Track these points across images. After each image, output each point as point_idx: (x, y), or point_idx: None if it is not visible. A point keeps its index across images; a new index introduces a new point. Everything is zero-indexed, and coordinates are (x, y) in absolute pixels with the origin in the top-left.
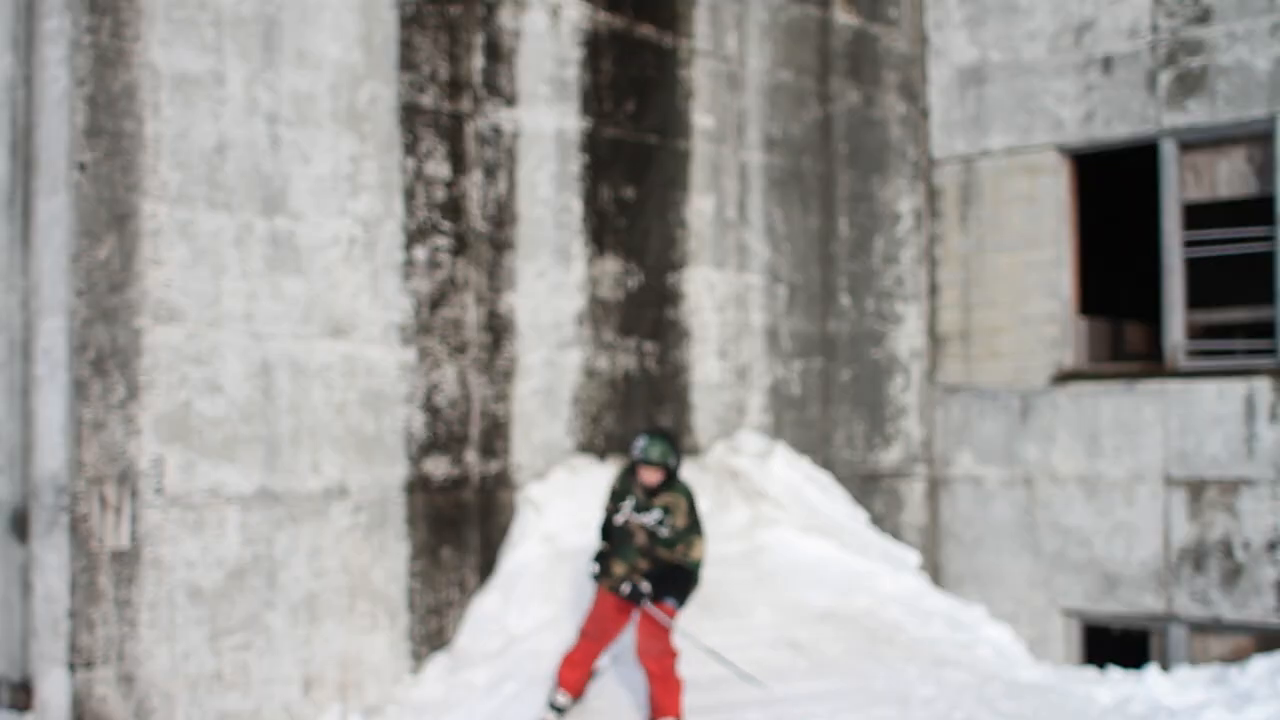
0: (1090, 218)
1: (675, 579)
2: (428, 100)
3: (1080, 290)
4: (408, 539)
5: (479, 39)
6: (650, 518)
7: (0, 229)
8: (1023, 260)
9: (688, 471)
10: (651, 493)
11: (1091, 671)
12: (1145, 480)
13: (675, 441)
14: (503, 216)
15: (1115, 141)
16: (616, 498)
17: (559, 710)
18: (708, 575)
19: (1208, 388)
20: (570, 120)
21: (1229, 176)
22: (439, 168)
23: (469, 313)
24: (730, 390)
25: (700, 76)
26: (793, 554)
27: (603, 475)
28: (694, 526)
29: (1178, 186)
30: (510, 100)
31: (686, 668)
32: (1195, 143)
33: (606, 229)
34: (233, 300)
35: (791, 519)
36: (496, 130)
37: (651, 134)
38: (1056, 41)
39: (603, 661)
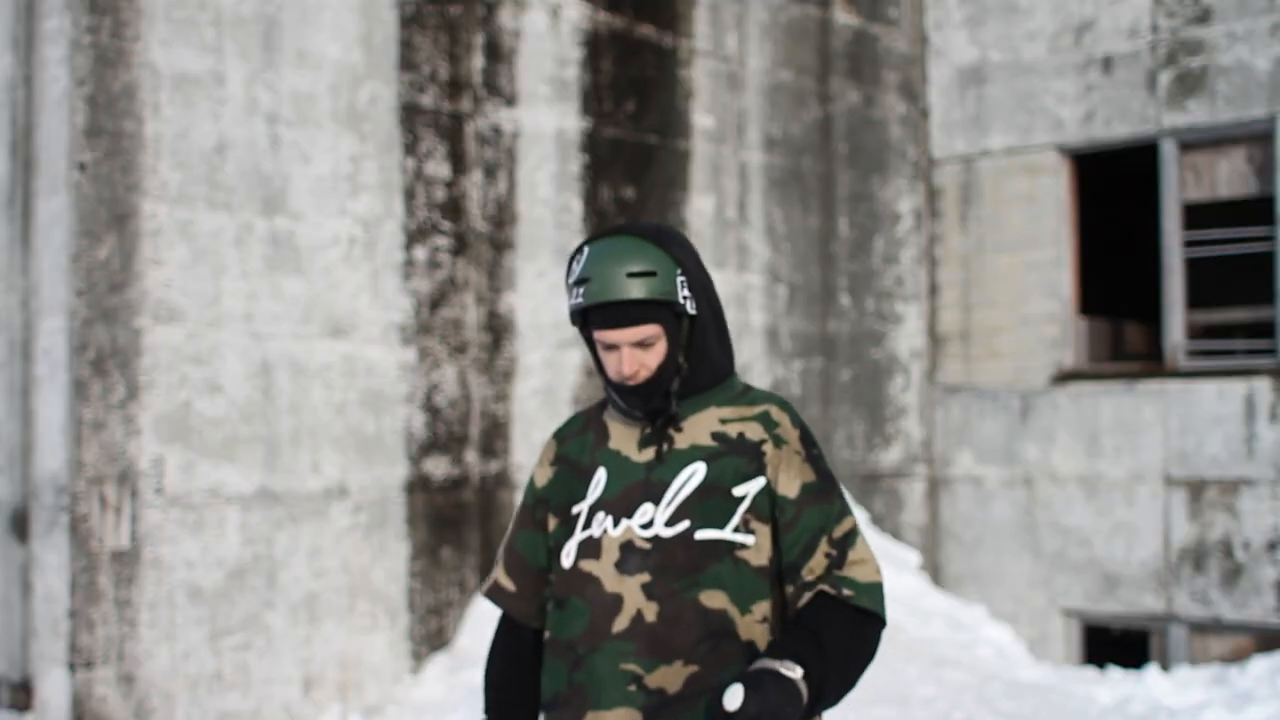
0: (1091, 217)
1: (848, 659)
2: (428, 100)
3: (1080, 290)
4: (408, 539)
5: (479, 39)
6: (665, 509)
7: (0, 229)
8: (1023, 260)
9: None
10: (658, 419)
11: (1091, 671)
12: (1145, 480)
13: (683, 245)
14: (503, 216)
15: (1115, 141)
16: (541, 501)
17: None
18: None
19: (1208, 388)
20: (570, 120)
21: (1229, 176)
22: (439, 168)
23: (469, 313)
24: None
25: (700, 76)
26: None
27: None
28: (830, 485)
29: (1178, 186)
30: (510, 100)
31: None
32: (1195, 143)
33: None
34: (233, 300)
35: None
36: (496, 130)
37: (651, 134)
38: (1056, 41)
39: None
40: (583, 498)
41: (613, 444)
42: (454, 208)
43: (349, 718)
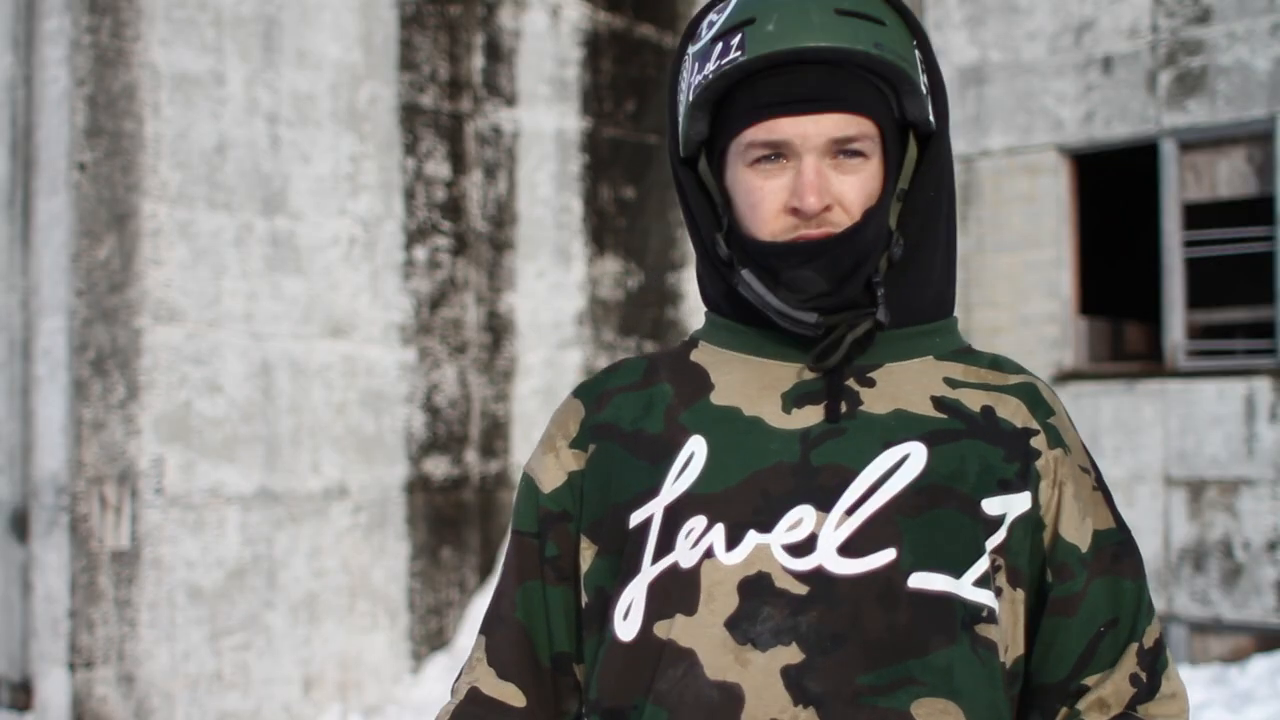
0: (1093, 217)
1: None
2: (428, 100)
3: (1080, 290)
4: (408, 539)
5: (479, 39)
6: (846, 521)
7: (0, 229)
8: (1023, 260)
9: None
10: (846, 337)
11: None
12: (1145, 480)
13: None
14: (503, 216)
15: (1115, 141)
16: (555, 520)
17: None
18: None
19: (1208, 388)
20: (570, 120)
21: (1229, 176)
22: (439, 168)
23: (469, 313)
24: None
25: None
26: None
27: None
28: (1133, 542)
29: (1178, 186)
30: (510, 100)
31: None
32: (1195, 143)
33: (606, 229)
34: (233, 300)
35: None
36: (496, 130)
37: (651, 134)
38: (1056, 41)
39: None
40: (653, 492)
41: (722, 398)
42: (454, 208)
43: (349, 718)
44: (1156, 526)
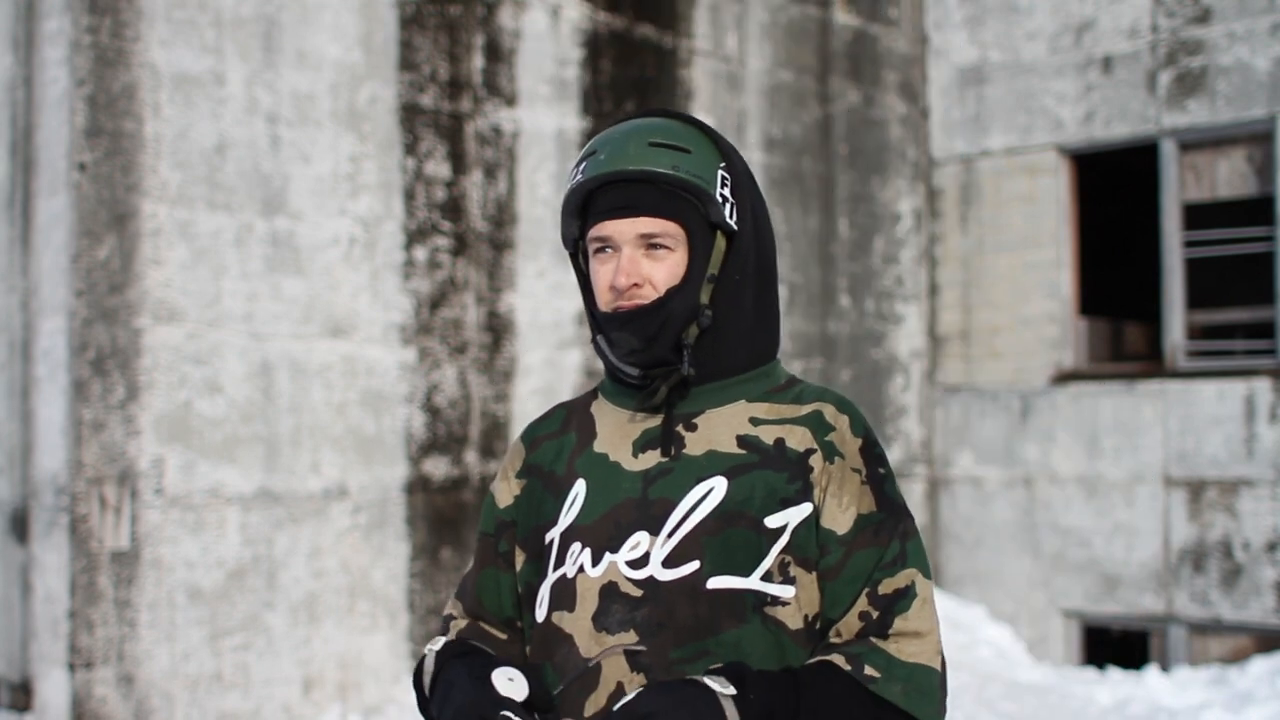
0: (1094, 218)
1: None
2: (428, 100)
3: (1080, 290)
4: (408, 539)
5: (479, 39)
6: (666, 542)
7: (0, 229)
8: (1023, 260)
9: None
10: (661, 386)
11: (1091, 672)
12: (1145, 480)
13: (734, 149)
14: (503, 216)
15: (1115, 141)
16: (505, 526)
17: None
18: None
19: (1207, 388)
20: (570, 120)
21: (1229, 176)
22: (439, 168)
23: (469, 313)
24: None
25: (700, 76)
26: None
27: None
28: (893, 520)
29: (1178, 186)
30: (510, 100)
31: None
32: (1195, 143)
33: None
34: (233, 300)
35: None
36: (496, 130)
37: None
38: (1056, 41)
39: None
40: (554, 521)
41: (599, 446)
42: (454, 208)
43: (349, 718)
44: (1156, 527)
